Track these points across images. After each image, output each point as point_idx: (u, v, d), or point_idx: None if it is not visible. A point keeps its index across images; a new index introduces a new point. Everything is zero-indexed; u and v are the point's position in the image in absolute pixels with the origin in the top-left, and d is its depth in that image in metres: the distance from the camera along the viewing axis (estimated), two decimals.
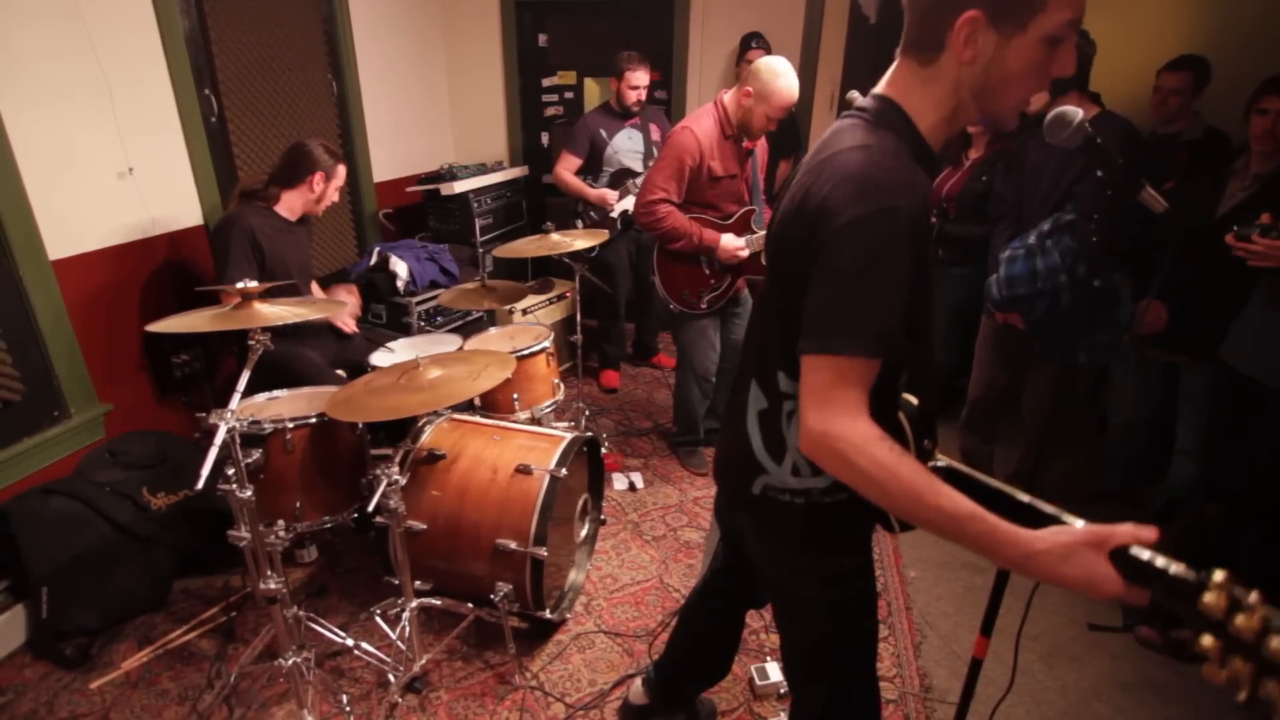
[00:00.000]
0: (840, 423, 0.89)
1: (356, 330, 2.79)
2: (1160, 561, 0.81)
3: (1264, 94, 2.06)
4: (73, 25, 2.28)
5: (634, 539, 2.69)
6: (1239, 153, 2.25)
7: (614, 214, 3.61)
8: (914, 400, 1.14)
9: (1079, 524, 0.89)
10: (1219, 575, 0.75)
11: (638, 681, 1.87)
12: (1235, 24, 3.15)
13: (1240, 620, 0.72)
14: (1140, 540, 0.83)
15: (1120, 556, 0.84)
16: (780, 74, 2.46)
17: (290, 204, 2.54)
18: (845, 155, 0.94)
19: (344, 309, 2.72)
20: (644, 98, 3.53)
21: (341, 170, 2.58)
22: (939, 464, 1.08)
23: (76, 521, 2.13)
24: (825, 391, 0.91)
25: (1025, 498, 0.97)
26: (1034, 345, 2.47)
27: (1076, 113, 1.25)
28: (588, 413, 3.20)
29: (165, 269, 2.69)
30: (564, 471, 2.05)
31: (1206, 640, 0.75)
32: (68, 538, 2.10)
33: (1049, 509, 0.95)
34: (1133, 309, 2.39)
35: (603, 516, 2.61)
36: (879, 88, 1.03)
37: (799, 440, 0.96)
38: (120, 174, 2.49)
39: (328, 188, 2.55)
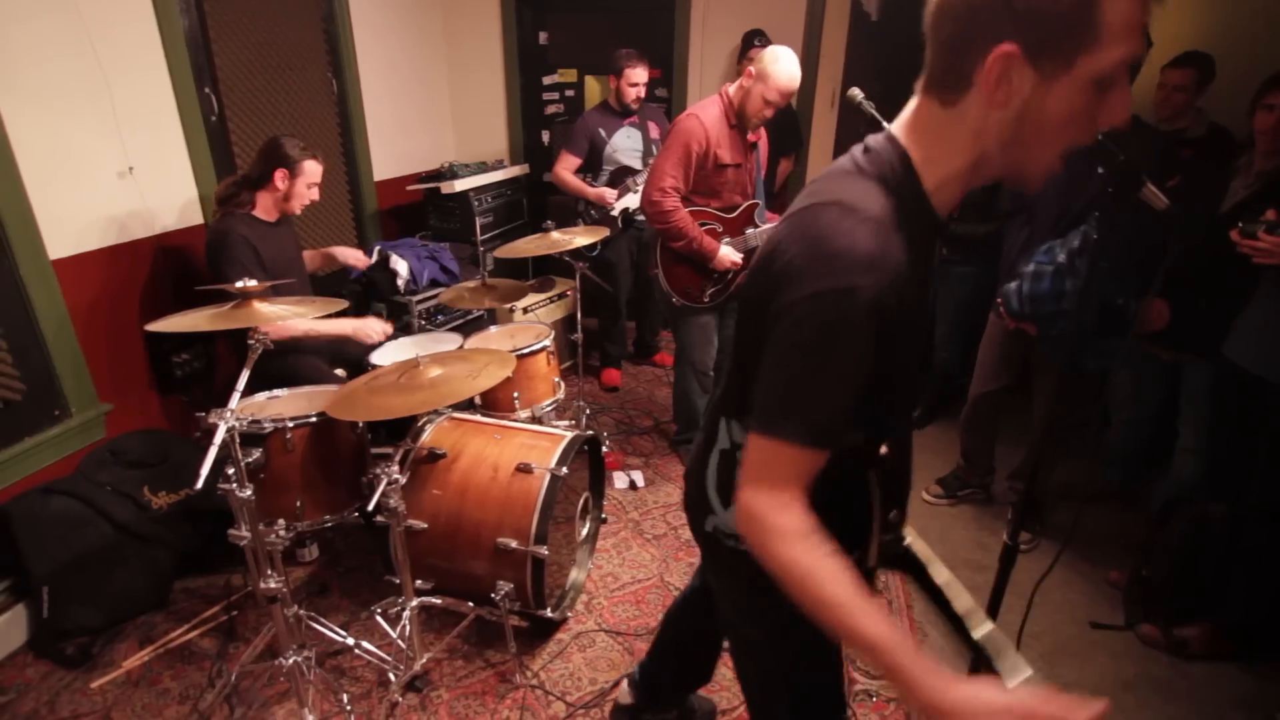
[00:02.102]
0: (765, 508, 0.84)
1: (387, 336, 2.68)
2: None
3: (1269, 90, 2.05)
4: (72, 24, 2.28)
5: (635, 537, 2.69)
6: (1243, 150, 2.24)
7: (614, 212, 3.61)
8: (886, 464, 1.06)
9: (1018, 676, 0.81)
10: None
11: (624, 683, 1.88)
12: (1239, 20, 3.13)
13: None
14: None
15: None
16: (780, 58, 2.46)
17: (264, 205, 2.49)
18: (821, 211, 0.83)
19: (370, 323, 2.62)
20: (643, 95, 3.52)
21: (309, 166, 2.46)
22: (900, 537, 1.01)
23: (77, 521, 2.14)
24: (759, 469, 0.85)
25: (960, 610, 0.91)
26: (1043, 351, 2.45)
27: None
28: (588, 411, 3.20)
29: (166, 268, 2.69)
30: (565, 470, 2.05)
31: None
32: (68, 537, 2.11)
33: (979, 631, 0.89)
34: (1136, 307, 2.37)
35: (604, 515, 2.61)
36: (896, 127, 0.89)
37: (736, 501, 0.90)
38: (120, 173, 2.49)
39: (293, 185, 2.45)
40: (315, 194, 2.54)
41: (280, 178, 2.44)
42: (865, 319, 0.77)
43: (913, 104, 0.87)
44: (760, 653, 1.19)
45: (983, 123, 0.79)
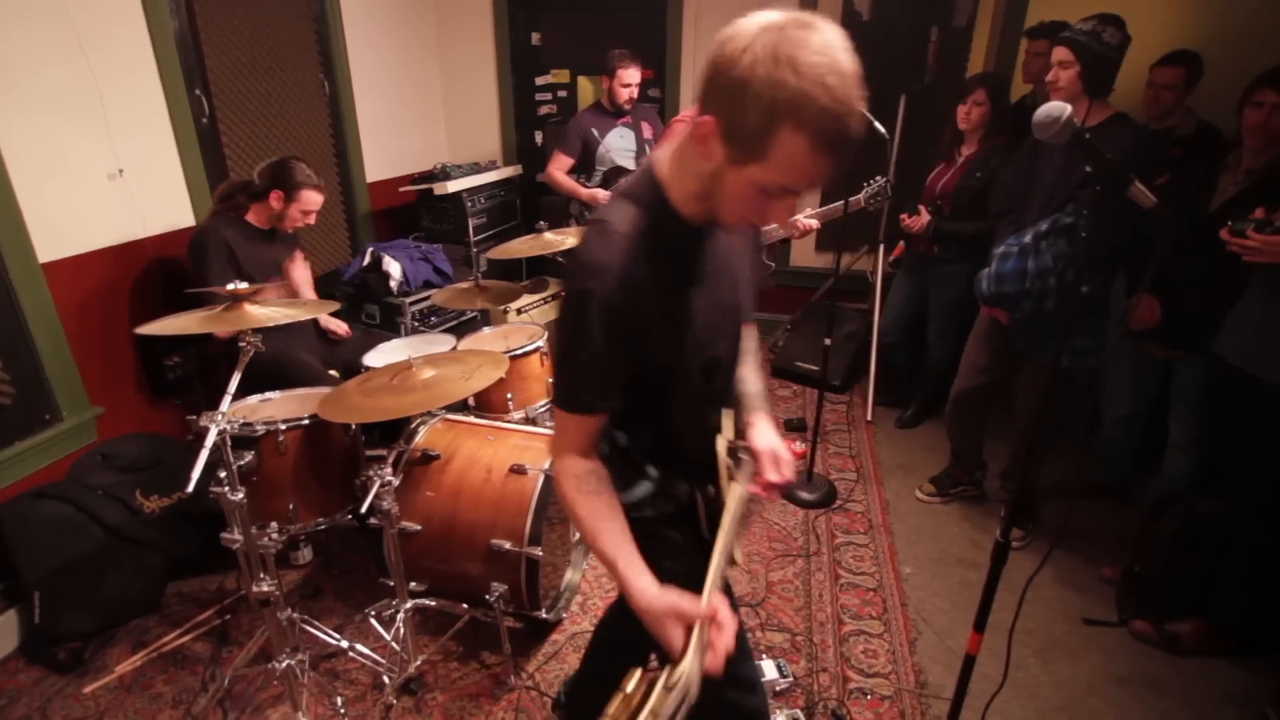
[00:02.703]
0: (556, 459, 1.07)
1: (347, 334, 2.79)
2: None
3: (1258, 88, 2.06)
4: (62, 26, 2.26)
5: None
6: (1231, 148, 2.26)
7: None
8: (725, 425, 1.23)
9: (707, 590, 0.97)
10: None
11: (550, 706, 1.90)
12: (1228, 19, 3.15)
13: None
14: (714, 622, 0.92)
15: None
16: None
17: (257, 214, 2.54)
18: (588, 227, 1.02)
19: (328, 308, 2.64)
20: (636, 96, 3.53)
21: (306, 195, 2.49)
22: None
23: (69, 525, 2.12)
24: (556, 429, 1.08)
25: (715, 552, 1.06)
26: (1016, 343, 2.47)
27: (1064, 108, 1.25)
28: None
29: (156, 271, 2.68)
30: None
31: None
32: (60, 541, 2.09)
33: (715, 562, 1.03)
34: (1126, 304, 2.39)
35: None
36: (660, 149, 1.08)
37: None
38: (110, 175, 2.47)
39: (287, 209, 2.49)
40: (310, 220, 2.57)
41: (275, 198, 2.47)
42: (599, 313, 0.95)
43: (689, 114, 1.09)
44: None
45: (699, 164, 0.93)
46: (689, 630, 0.91)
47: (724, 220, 0.99)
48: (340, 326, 2.78)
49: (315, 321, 2.78)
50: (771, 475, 1.18)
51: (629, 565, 0.99)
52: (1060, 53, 2.13)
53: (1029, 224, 2.34)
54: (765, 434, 1.23)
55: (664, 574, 1.13)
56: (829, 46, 0.80)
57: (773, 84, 0.79)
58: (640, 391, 1.05)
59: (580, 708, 1.81)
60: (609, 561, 1.01)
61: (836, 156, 0.82)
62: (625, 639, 1.69)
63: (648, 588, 0.97)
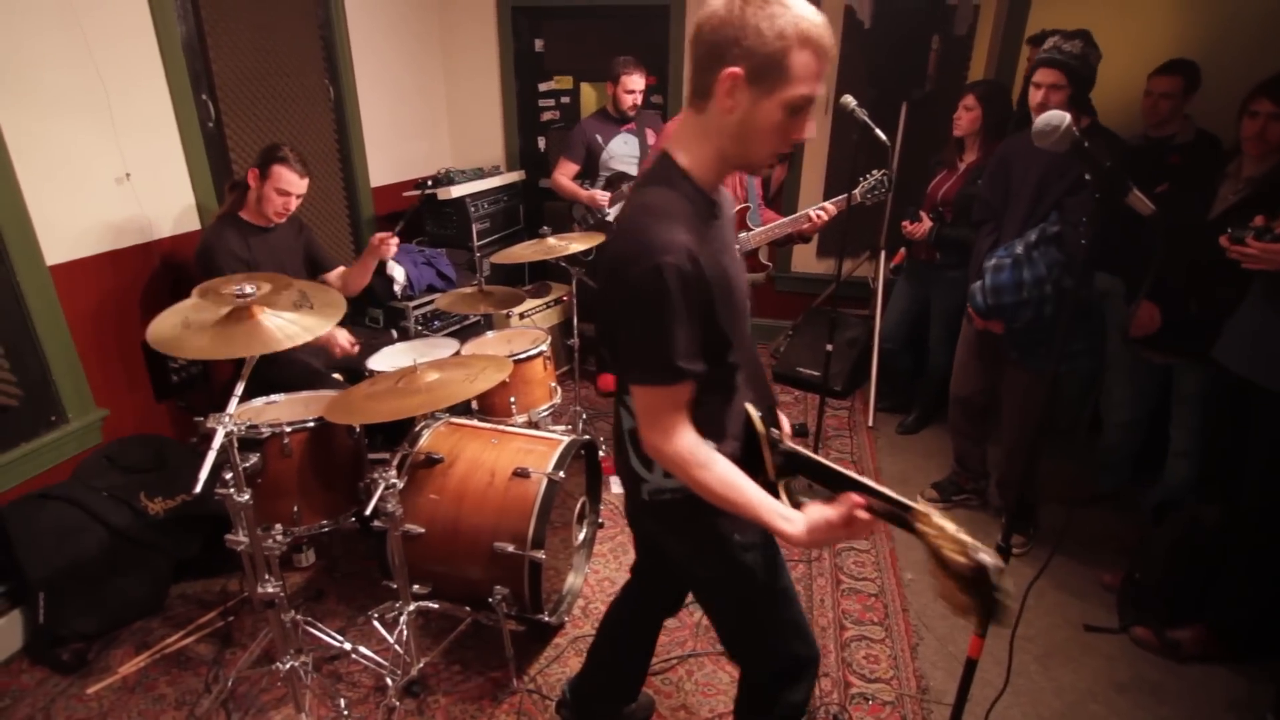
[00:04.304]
0: (658, 440, 1.12)
1: (352, 350, 2.65)
2: (897, 496, 1.06)
3: (1255, 97, 2.08)
4: (70, 30, 2.29)
5: (631, 542, 2.69)
6: (1230, 156, 2.27)
7: (608, 218, 3.62)
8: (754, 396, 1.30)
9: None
10: (921, 507, 1.03)
11: (554, 709, 1.91)
12: (1225, 28, 3.17)
13: (946, 550, 1.00)
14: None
15: (870, 490, 1.09)
16: None
17: (250, 207, 2.50)
18: (631, 216, 1.12)
19: (339, 334, 2.60)
20: (640, 102, 3.55)
21: (278, 170, 2.40)
22: (783, 449, 1.25)
23: (74, 527, 2.13)
24: (643, 413, 1.14)
25: (829, 464, 1.17)
26: (1009, 351, 2.48)
27: (1064, 117, 1.27)
28: (585, 416, 3.21)
29: (162, 274, 2.69)
30: (562, 475, 2.06)
31: (930, 563, 1.03)
32: (65, 543, 2.10)
33: (841, 471, 1.14)
34: (1125, 311, 2.40)
35: (600, 520, 2.61)
36: (664, 143, 1.18)
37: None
38: (118, 179, 2.49)
39: (263, 187, 2.42)
40: (289, 203, 2.47)
41: (252, 176, 2.45)
42: (674, 283, 1.03)
43: (678, 119, 1.17)
44: (721, 586, 1.38)
45: (719, 123, 1.08)
46: (859, 523, 1.08)
47: (756, 161, 1.12)
48: (346, 342, 2.63)
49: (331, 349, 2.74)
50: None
51: (773, 513, 1.10)
52: (1052, 75, 2.16)
53: (1010, 233, 2.38)
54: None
55: (741, 547, 1.28)
56: None
57: (772, 18, 0.99)
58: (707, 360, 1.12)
59: (584, 706, 1.82)
60: (755, 516, 1.11)
61: (829, 56, 1.04)
62: (630, 637, 1.71)
63: (797, 524, 1.09)
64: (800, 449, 1.24)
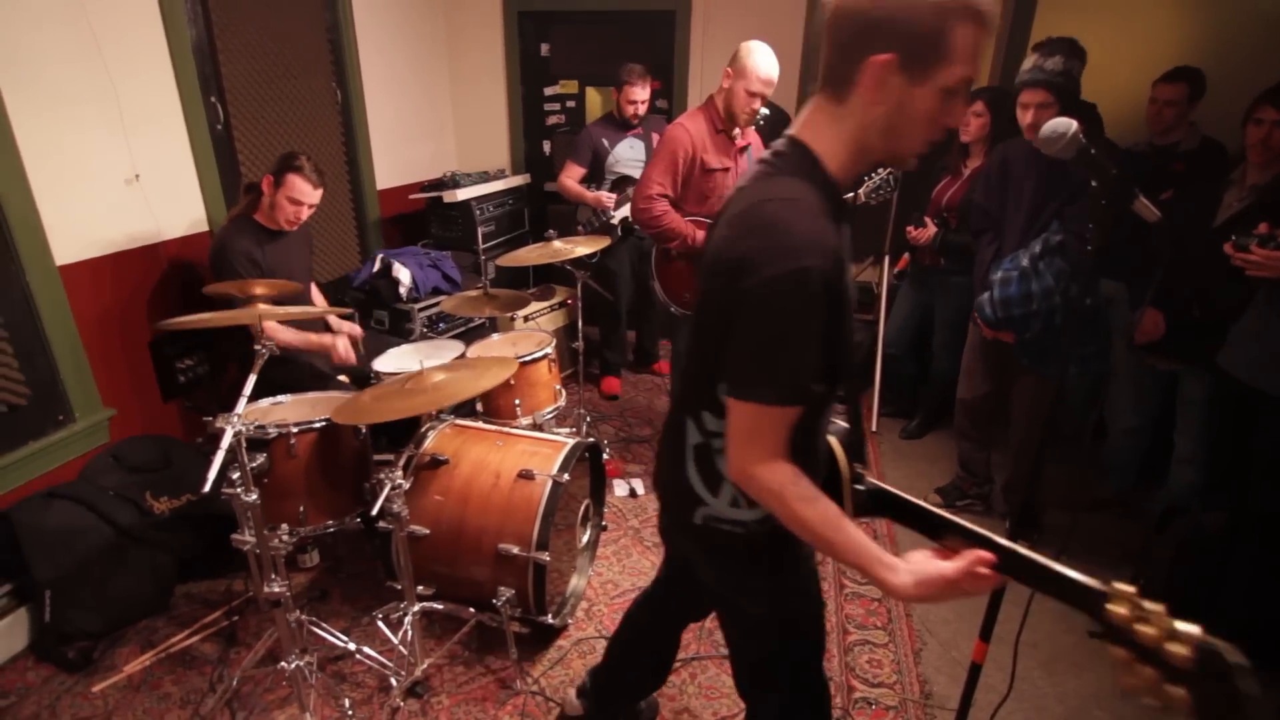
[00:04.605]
0: (758, 467, 0.99)
1: (352, 361, 2.62)
2: (1072, 574, 0.88)
3: (1259, 105, 2.09)
4: (82, 33, 2.30)
5: (635, 545, 2.70)
6: (1236, 163, 2.28)
7: (613, 220, 3.64)
8: (845, 425, 1.19)
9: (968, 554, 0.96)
10: (1126, 587, 0.82)
11: (571, 692, 1.89)
12: (1230, 36, 3.18)
13: (1143, 629, 0.78)
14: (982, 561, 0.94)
15: (1020, 562, 0.92)
16: (755, 51, 2.52)
17: (263, 210, 2.52)
18: (763, 208, 0.97)
19: (339, 342, 2.59)
20: (641, 112, 3.57)
21: (292, 179, 2.42)
22: (867, 485, 1.14)
23: (80, 525, 2.14)
24: (746, 434, 1.00)
25: (947, 515, 1.03)
26: (1020, 358, 2.49)
27: (1071, 124, 1.28)
28: (589, 419, 3.22)
29: (170, 275, 2.71)
30: (566, 477, 2.07)
31: (1117, 650, 0.80)
32: (71, 541, 2.11)
33: (972, 528, 0.99)
34: (1130, 317, 2.40)
35: (604, 522, 2.62)
36: (795, 128, 1.05)
37: (728, 472, 1.05)
38: (127, 180, 2.51)
39: (276, 195, 2.44)
40: (300, 213, 2.48)
41: (266, 183, 2.47)
42: (818, 291, 0.92)
43: (809, 105, 1.04)
44: (762, 628, 1.27)
45: (865, 116, 0.97)
46: (978, 580, 0.94)
47: (905, 154, 1.01)
48: (344, 350, 2.60)
49: (327, 328, 2.79)
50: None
51: (877, 561, 0.97)
52: (1039, 95, 2.19)
53: (1011, 242, 2.39)
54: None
55: (792, 590, 1.22)
56: None
57: None
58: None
59: (603, 697, 1.81)
60: (856, 563, 0.98)
61: (991, 27, 0.92)
62: (653, 641, 1.69)
63: (903, 574, 0.95)
64: (888, 488, 1.12)
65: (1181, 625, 0.77)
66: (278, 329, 2.46)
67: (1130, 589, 0.82)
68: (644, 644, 1.71)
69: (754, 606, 1.25)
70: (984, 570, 0.93)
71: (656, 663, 1.74)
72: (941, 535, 1.01)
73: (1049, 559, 0.90)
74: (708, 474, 1.15)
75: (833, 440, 1.16)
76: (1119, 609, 0.81)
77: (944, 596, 0.95)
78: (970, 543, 0.97)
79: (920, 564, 0.96)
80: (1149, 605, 0.79)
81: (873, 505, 1.12)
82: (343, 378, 2.65)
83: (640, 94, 3.49)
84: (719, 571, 1.26)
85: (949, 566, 0.94)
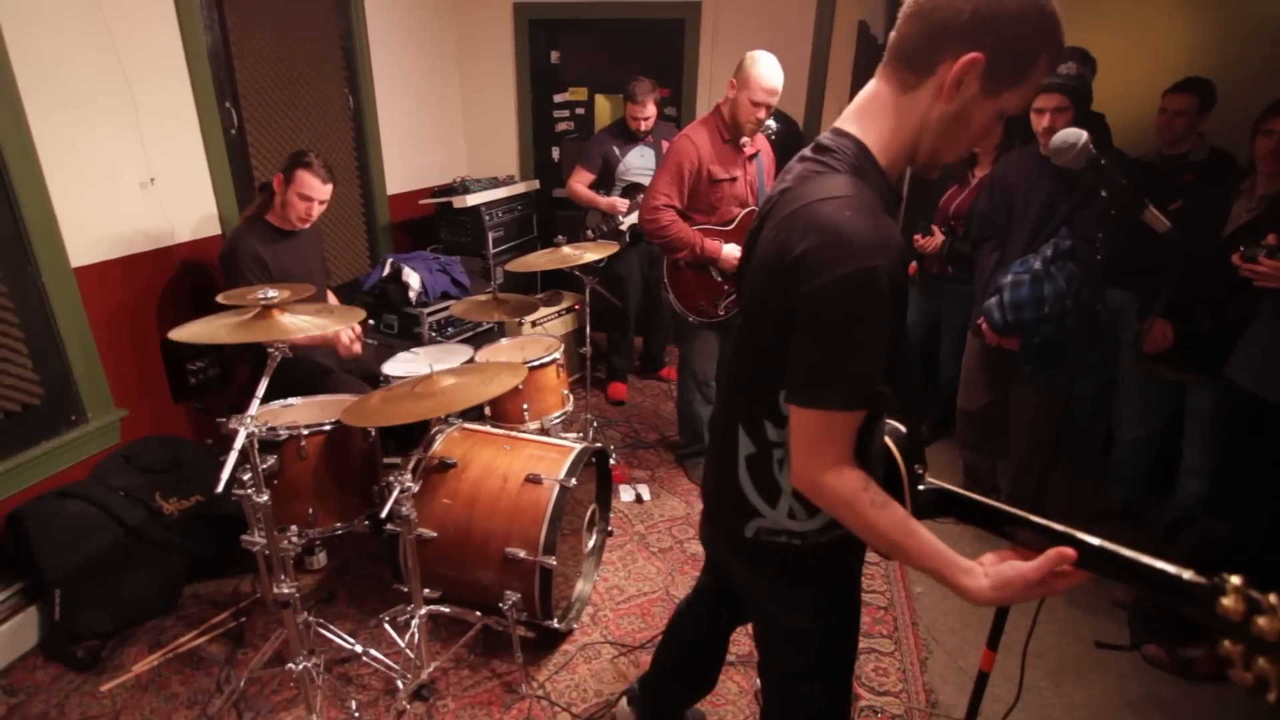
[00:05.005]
0: (827, 475, 0.96)
1: (358, 353, 2.62)
2: (1173, 569, 0.83)
3: (1269, 116, 2.09)
4: (100, 37, 2.34)
5: (641, 550, 2.70)
6: (1245, 173, 2.28)
7: (622, 227, 3.65)
8: (902, 427, 1.16)
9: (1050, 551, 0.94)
10: (1235, 579, 0.78)
11: (623, 701, 1.88)
12: (1240, 46, 3.18)
13: (1262, 622, 0.75)
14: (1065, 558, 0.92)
15: (1117, 560, 0.88)
16: (759, 60, 2.54)
17: (275, 210, 2.54)
18: (820, 208, 0.92)
19: (342, 333, 2.54)
20: (647, 128, 3.58)
21: (301, 175, 2.43)
22: (928, 486, 1.11)
23: (91, 525, 2.16)
24: (812, 442, 0.97)
25: (1017, 512, 1.01)
26: (1022, 366, 2.49)
27: (1081, 134, 1.28)
28: (595, 424, 3.23)
29: (183, 278, 2.74)
30: (574, 482, 2.07)
31: (1227, 645, 0.77)
32: (82, 541, 2.13)
33: (1050, 524, 0.97)
34: (1139, 327, 2.40)
35: (610, 528, 2.62)
36: (845, 120, 1.01)
37: (792, 482, 1.01)
38: (142, 184, 2.54)
39: (287, 192, 2.46)
40: (311, 210, 2.50)
41: (277, 182, 2.49)
42: (885, 291, 0.88)
43: (868, 88, 1.00)
44: (801, 640, 1.24)
45: (929, 112, 0.94)
46: (1059, 578, 0.92)
47: (943, 162, 0.99)
48: (347, 339, 2.55)
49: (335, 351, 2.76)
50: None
51: (953, 565, 0.95)
52: (1055, 99, 2.22)
53: (1016, 249, 2.40)
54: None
55: (837, 605, 1.20)
56: None
57: (1040, 13, 0.87)
58: None
59: (657, 700, 1.79)
60: (931, 568, 0.96)
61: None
62: (700, 629, 1.66)
63: (980, 578, 0.94)
64: (953, 488, 1.09)
65: None
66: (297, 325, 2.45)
67: (1239, 580, 0.79)
68: (692, 648, 1.69)
69: (796, 619, 1.23)
70: (1066, 568, 0.91)
71: (705, 667, 1.72)
72: (1014, 533, 0.99)
73: (1138, 553, 0.87)
74: (764, 484, 1.12)
75: (889, 441, 1.13)
76: (1232, 603, 0.77)
77: (1024, 598, 0.93)
78: (1048, 540, 0.93)
79: (998, 567, 0.94)
80: (1263, 597, 0.76)
81: (935, 506, 1.10)
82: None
83: (646, 111, 3.51)
84: (764, 585, 1.23)
85: (1029, 567, 0.91)
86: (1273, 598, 0.76)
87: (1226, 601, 0.77)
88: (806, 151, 1.04)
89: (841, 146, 0.99)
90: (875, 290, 0.88)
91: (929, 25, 0.90)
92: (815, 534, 1.12)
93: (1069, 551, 0.91)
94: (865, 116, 0.99)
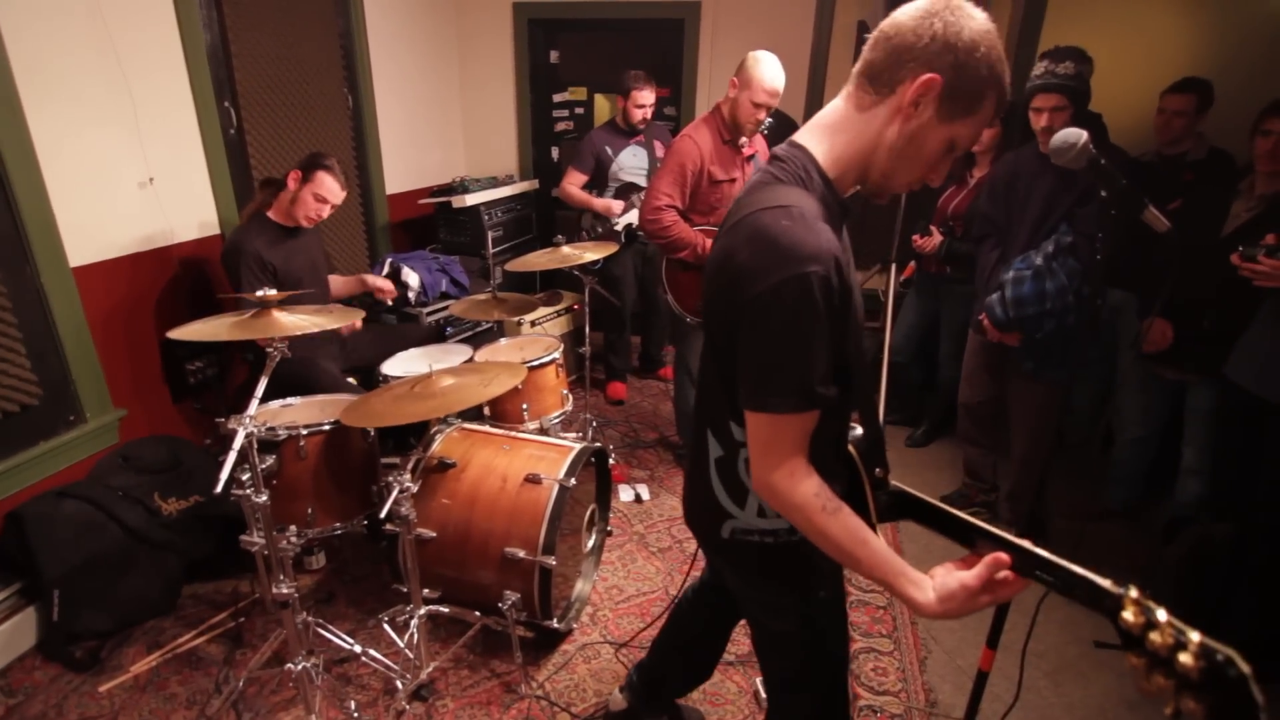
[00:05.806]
0: (778, 477, 0.99)
1: (358, 327, 2.66)
2: (1097, 578, 0.83)
3: (1267, 116, 2.09)
4: (98, 37, 2.33)
5: (640, 550, 2.70)
6: (1244, 173, 2.28)
7: (618, 227, 3.65)
8: (859, 430, 1.17)
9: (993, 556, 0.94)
10: (1133, 591, 0.78)
11: (615, 690, 1.89)
12: (1238, 47, 3.18)
13: (1154, 636, 0.73)
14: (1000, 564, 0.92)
15: (1039, 563, 0.88)
16: (761, 61, 2.53)
17: (280, 208, 2.55)
18: (760, 217, 0.96)
19: (356, 316, 2.62)
20: (649, 116, 3.59)
21: (321, 176, 2.48)
22: (890, 489, 1.12)
23: (90, 525, 2.16)
24: (766, 445, 0.99)
25: (965, 517, 1.01)
26: (1023, 362, 2.49)
27: (1081, 134, 1.28)
28: (594, 424, 3.23)
29: (182, 278, 2.73)
30: (573, 481, 2.07)
31: (1132, 658, 0.77)
32: (81, 541, 2.13)
33: (986, 528, 0.97)
34: (1137, 327, 2.40)
35: (609, 528, 2.62)
36: (802, 133, 1.05)
37: (751, 484, 1.04)
38: (141, 183, 2.54)
39: (301, 190, 2.48)
40: (323, 210, 2.54)
41: (293, 178, 2.50)
42: (820, 296, 0.91)
43: (830, 105, 1.04)
44: (790, 645, 1.26)
45: (885, 130, 0.97)
46: (1001, 585, 0.92)
47: (894, 187, 1.03)
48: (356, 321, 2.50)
49: (337, 329, 2.79)
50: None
51: (901, 576, 0.96)
52: (1053, 99, 2.22)
53: (1017, 246, 2.40)
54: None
55: (820, 606, 1.20)
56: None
57: (991, 52, 0.92)
58: None
59: (651, 688, 1.80)
60: (882, 578, 0.97)
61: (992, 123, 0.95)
62: (700, 620, 1.68)
63: (927, 591, 0.94)
64: (911, 491, 1.10)
65: (1190, 633, 0.73)
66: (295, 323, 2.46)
67: (1136, 592, 0.78)
68: (691, 638, 1.71)
69: (780, 623, 1.25)
70: (1004, 574, 0.91)
71: (702, 658, 1.73)
72: (968, 539, 1.00)
73: (1064, 559, 0.87)
74: (733, 486, 1.14)
75: (850, 449, 1.14)
76: (1130, 615, 0.77)
77: (969, 608, 0.92)
78: (992, 545, 0.94)
79: (943, 579, 0.94)
80: (1157, 611, 0.75)
81: (895, 509, 1.11)
82: (352, 380, 2.67)
83: (648, 98, 3.52)
84: (747, 586, 1.26)
85: (969, 575, 0.92)
86: (1162, 613, 0.74)
87: (1126, 614, 0.76)
88: (766, 162, 1.08)
89: (792, 157, 1.03)
90: (809, 295, 0.91)
91: (893, 48, 0.94)
92: (786, 532, 1.14)
93: (1003, 556, 0.91)
94: (821, 130, 1.03)
